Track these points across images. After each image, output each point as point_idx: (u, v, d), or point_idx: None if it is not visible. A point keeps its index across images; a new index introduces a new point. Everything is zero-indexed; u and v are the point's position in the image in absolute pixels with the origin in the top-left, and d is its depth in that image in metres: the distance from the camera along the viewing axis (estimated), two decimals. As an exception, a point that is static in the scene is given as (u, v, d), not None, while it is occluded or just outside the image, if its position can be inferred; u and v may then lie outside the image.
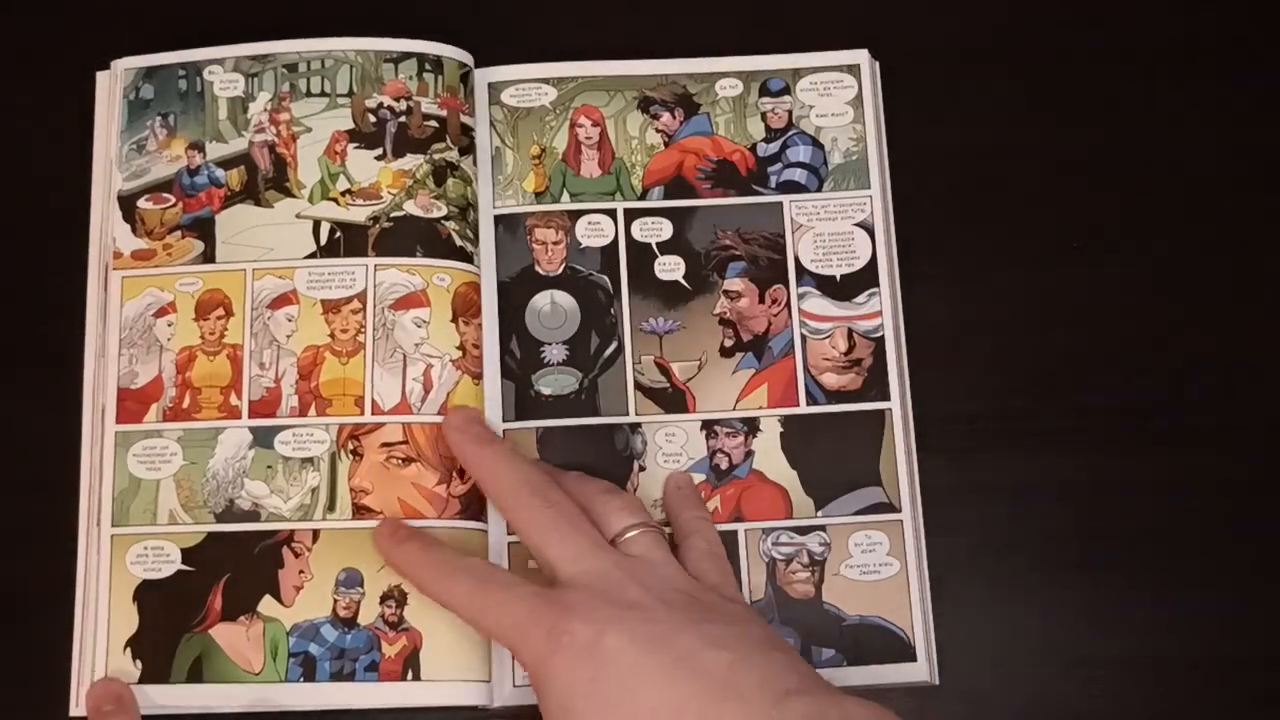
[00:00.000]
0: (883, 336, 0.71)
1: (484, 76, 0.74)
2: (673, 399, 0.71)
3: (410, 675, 0.65)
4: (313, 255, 0.70)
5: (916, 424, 0.70)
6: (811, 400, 0.71)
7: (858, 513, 0.69)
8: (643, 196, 0.73)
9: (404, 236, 0.70)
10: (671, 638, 0.57)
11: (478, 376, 0.69)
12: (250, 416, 0.69)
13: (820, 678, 0.59)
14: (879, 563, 0.68)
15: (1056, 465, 0.70)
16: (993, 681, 0.68)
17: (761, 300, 0.72)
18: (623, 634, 0.57)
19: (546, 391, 0.70)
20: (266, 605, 0.66)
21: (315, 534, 0.67)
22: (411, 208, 0.71)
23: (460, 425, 0.67)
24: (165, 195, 0.71)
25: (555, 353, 0.71)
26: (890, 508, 0.69)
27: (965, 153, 0.75)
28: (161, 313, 0.70)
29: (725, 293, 0.72)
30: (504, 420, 0.70)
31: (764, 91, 0.74)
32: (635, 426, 0.70)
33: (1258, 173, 0.74)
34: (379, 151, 0.71)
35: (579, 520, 0.63)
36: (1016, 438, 0.71)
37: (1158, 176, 0.74)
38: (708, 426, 0.70)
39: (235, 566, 0.67)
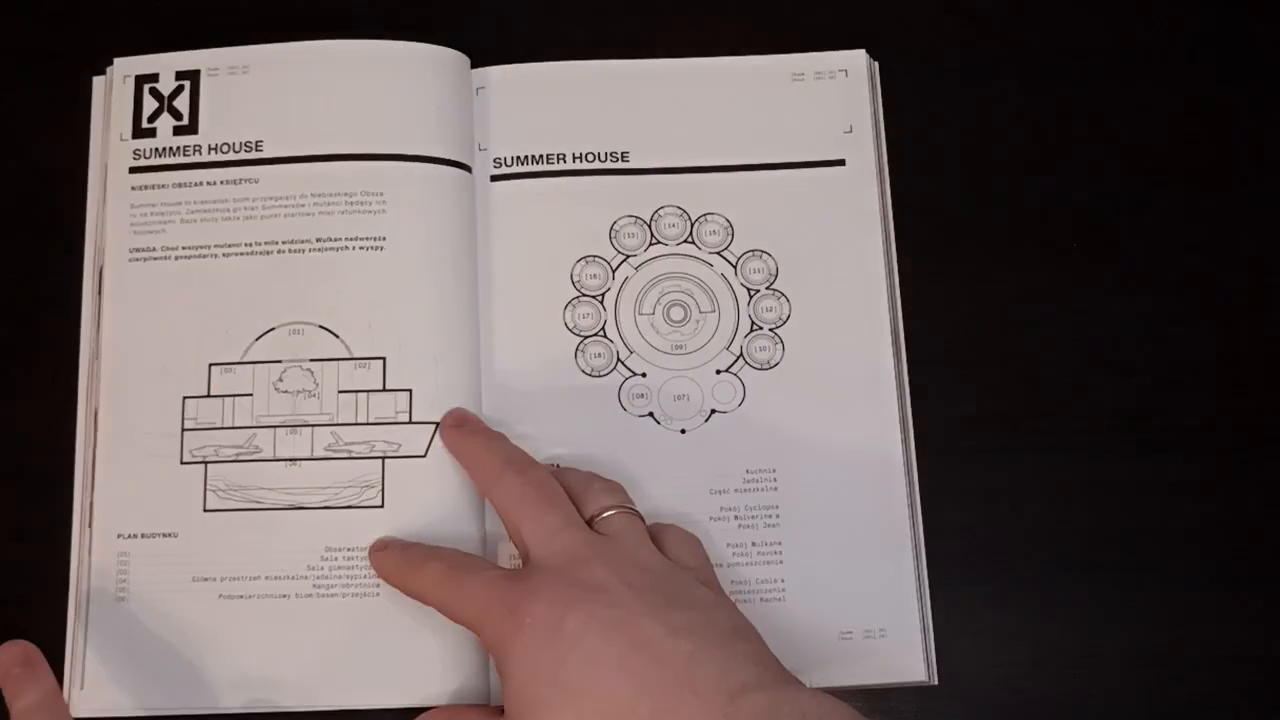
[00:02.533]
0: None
1: (482, 77, 0.74)
2: (673, 399, 0.71)
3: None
4: None
5: (916, 424, 0.70)
6: (811, 399, 0.71)
7: (856, 513, 0.69)
8: (642, 196, 0.74)
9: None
10: (633, 623, 0.56)
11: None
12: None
13: (781, 670, 0.58)
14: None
15: (1056, 466, 0.70)
16: (993, 681, 0.68)
17: (761, 299, 0.72)
18: (584, 617, 0.56)
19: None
20: (263, 604, 0.67)
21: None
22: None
23: (453, 421, 0.68)
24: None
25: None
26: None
27: (965, 153, 0.75)
28: None
29: (723, 293, 0.72)
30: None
31: None
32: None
33: (1259, 172, 0.74)
34: (383, 150, 0.72)
35: (556, 497, 0.62)
36: (1016, 438, 0.71)
37: (1158, 176, 0.74)
38: (706, 426, 0.71)
39: (230, 566, 0.68)
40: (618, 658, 0.56)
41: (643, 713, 0.54)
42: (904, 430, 0.70)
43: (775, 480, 0.69)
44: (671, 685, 0.55)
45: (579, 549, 0.60)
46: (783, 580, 0.68)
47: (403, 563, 0.64)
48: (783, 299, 0.72)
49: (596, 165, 0.73)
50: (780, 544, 0.69)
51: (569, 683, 0.56)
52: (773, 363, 0.71)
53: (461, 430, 0.67)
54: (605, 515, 0.62)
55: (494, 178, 0.73)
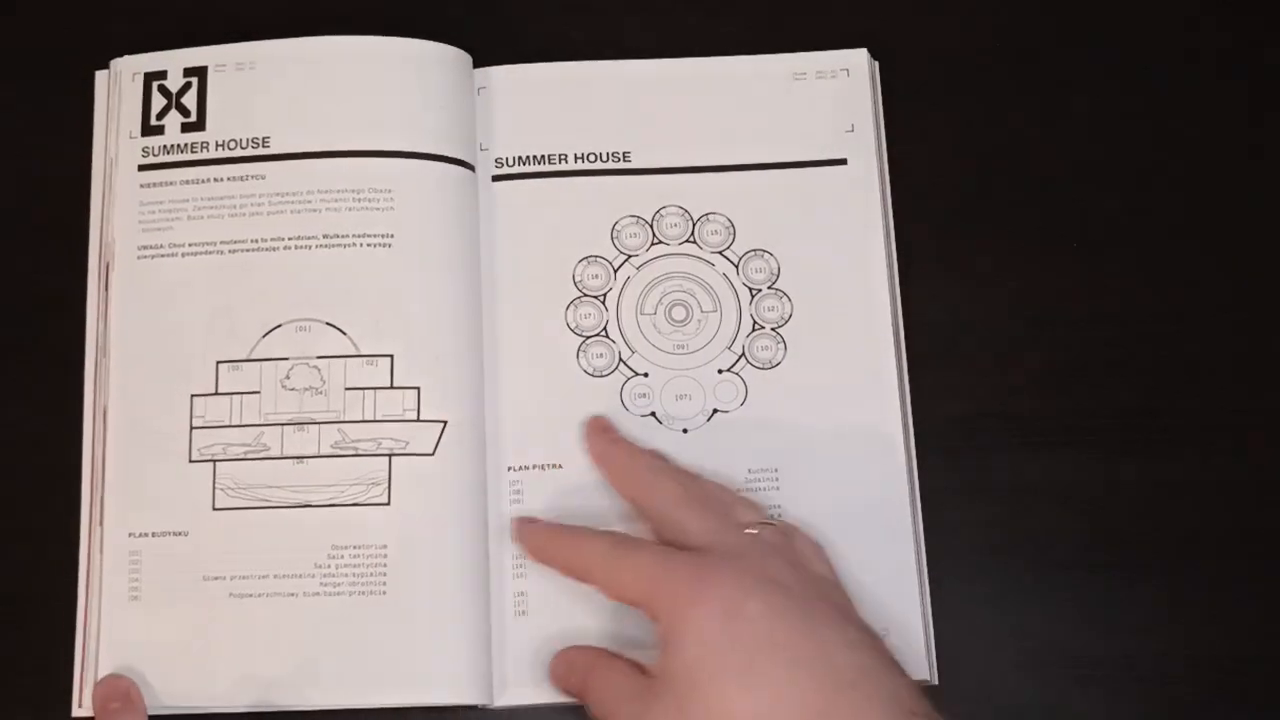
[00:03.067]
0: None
1: (484, 76, 0.74)
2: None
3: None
4: None
5: (916, 424, 0.70)
6: (813, 399, 0.71)
7: (858, 512, 0.70)
8: (646, 195, 0.74)
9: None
10: (811, 623, 0.58)
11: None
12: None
13: (935, 710, 0.58)
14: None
15: (1056, 465, 0.70)
16: (993, 681, 0.68)
17: (762, 299, 0.72)
18: (765, 603, 0.58)
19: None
20: (268, 605, 0.67)
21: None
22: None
23: (601, 427, 0.69)
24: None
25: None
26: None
27: (965, 153, 0.75)
28: None
29: (726, 292, 0.72)
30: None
31: None
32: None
33: (1259, 172, 0.75)
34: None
35: (713, 502, 0.64)
36: (1016, 438, 0.71)
37: (1158, 176, 0.74)
38: (709, 427, 0.71)
39: (237, 566, 0.67)
40: (794, 650, 0.57)
41: (816, 705, 0.56)
42: (905, 429, 0.70)
43: (778, 480, 0.70)
44: (848, 690, 0.56)
45: (750, 547, 0.61)
46: (784, 580, 0.69)
47: (556, 538, 0.66)
48: (784, 298, 0.72)
49: (598, 165, 0.73)
50: (782, 543, 0.69)
51: (743, 660, 0.57)
52: (775, 362, 0.71)
53: (608, 436, 0.69)
54: (756, 529, 0.63)
55: (495, 178, 0.73)
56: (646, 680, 0.61)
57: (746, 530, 0.63)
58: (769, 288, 0.72)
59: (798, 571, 0.61)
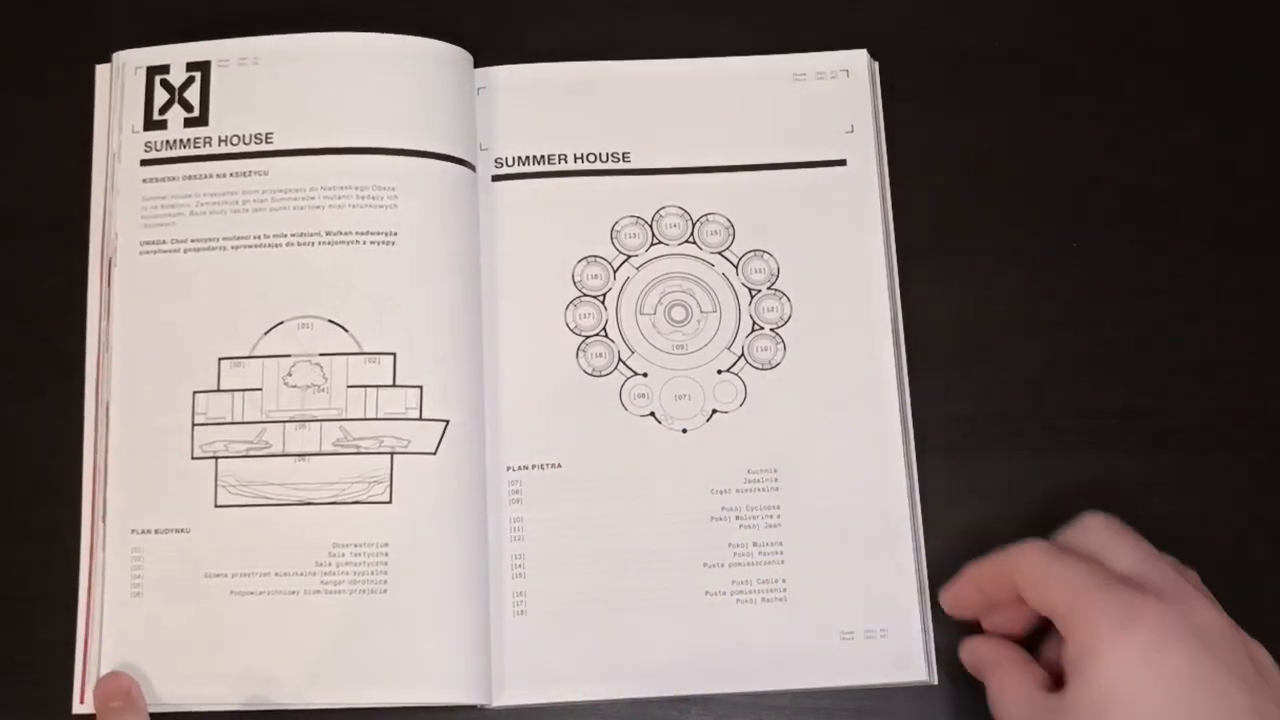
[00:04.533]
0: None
1: (484, 76, 0.74)
2: (674, 398, 0.71)
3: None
4: None
5: (916, 424, 0.70)
6: (813, 400, 0.71)
7: (859, 512, 0.70)
8: (648, 196, 0.74)
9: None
10: (1229, 689, 0.56)
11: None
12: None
13: None
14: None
15: (1056, 465, 0.71)
16: (992, 682, 0.68)
17: (762, 300, 0.72)
18: (1187, 654, 0.56)
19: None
20: (269, 602, 0.67)
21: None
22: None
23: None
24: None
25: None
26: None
27: (965, 153, 0.75)
28: None
29: (726, 292, 0.72)
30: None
31: None
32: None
33: (1257, 172, 0.75)
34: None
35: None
36: (1016, 438, 0.71)
37: (1157, 176, 0.74)
38: (710, 426, 0.71)
39: (238, 564, 0.67)
40: (1207, 708, 0.55)
41: None
42: (904, 430, 0.70)
43: (776, 480, 0.70)
44: None
45: (1180, 585, 0.59)
46: (784, 580, 0.68)
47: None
48: (784, 299, 0.72)
49: (598, 165, 0.73)
50: (781, 544, 0.69)
51: (1154, 705, 0.55)
52: (774, 363, 0.71)
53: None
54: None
55: (495, 178, 0.73)
56: (1047, 700, 0.59)
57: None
58: (768, 288, 0.72)
59: (1221, 624, 0.58)
